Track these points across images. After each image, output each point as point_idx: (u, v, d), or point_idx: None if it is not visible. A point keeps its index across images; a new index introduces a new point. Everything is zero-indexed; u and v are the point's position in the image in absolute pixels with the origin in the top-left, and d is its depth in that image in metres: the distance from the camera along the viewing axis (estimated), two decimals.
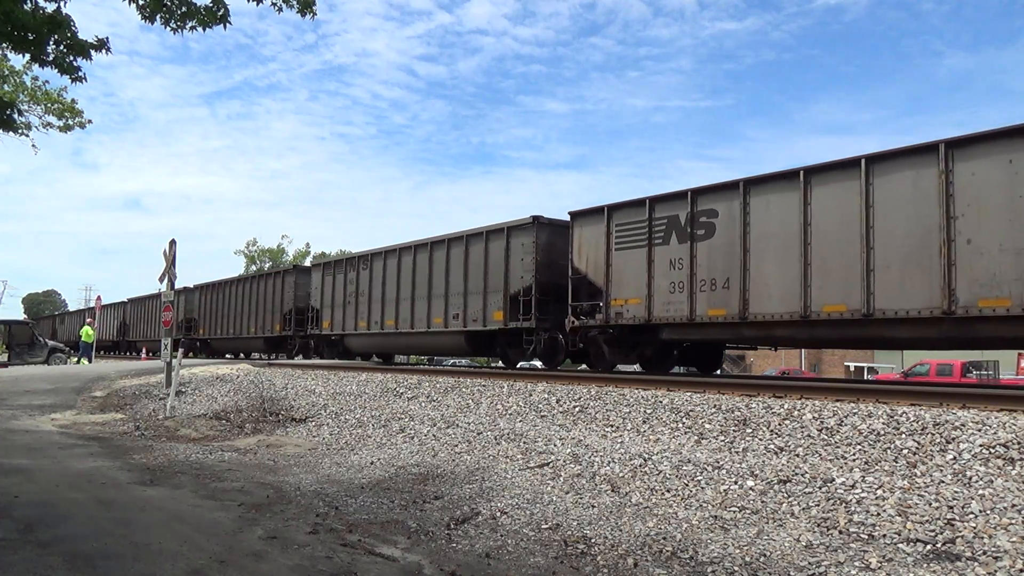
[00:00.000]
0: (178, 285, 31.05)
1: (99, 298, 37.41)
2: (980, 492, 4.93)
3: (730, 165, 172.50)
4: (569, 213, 15.10)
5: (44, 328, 51.74)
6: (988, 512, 4.63)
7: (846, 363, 50.15)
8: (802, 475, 5.70)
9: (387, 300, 20.30)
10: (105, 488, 6.53)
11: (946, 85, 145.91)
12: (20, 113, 17.36)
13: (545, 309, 15.56)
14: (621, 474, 6.48)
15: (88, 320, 31.04)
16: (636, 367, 15.93)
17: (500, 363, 18.86)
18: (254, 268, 61.39)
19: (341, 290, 22.55)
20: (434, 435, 9.00)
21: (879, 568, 4.17)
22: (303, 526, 5.29)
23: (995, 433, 5.74)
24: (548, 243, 15.80)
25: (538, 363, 17.39)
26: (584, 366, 17.88)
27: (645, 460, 6.63)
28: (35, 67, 14.94)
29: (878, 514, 4.87)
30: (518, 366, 17.64)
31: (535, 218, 15.98)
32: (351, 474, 7.41)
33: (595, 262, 14.37)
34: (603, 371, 14.61)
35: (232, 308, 30.08)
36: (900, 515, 4.80)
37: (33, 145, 22.52)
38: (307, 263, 51.99)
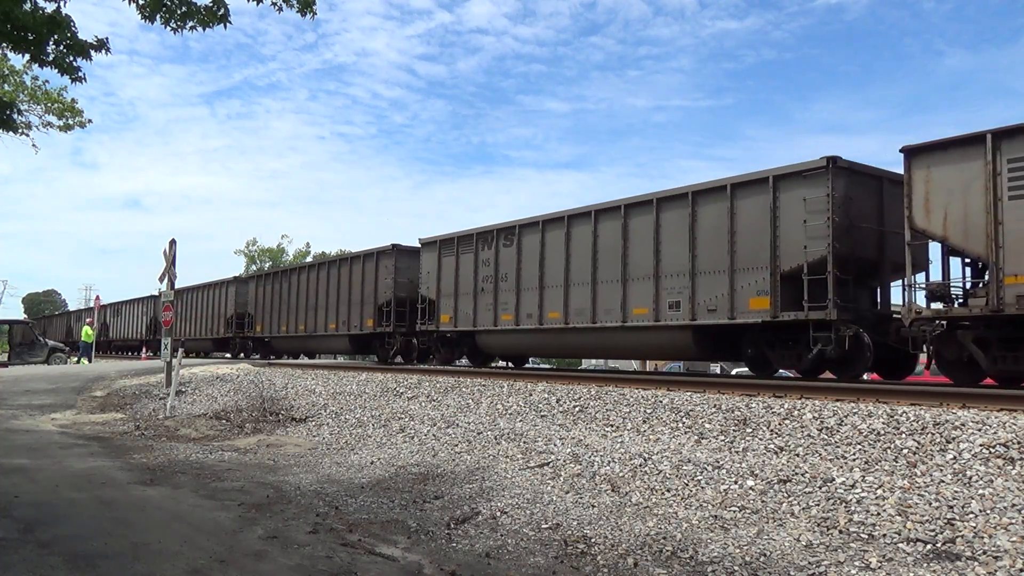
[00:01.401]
0: (227, 276, 29.68)
1: (98, 298, 37.81)
2: (980, 492, 4.93)
3: (731, 165, 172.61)
4: (905, 149, 10.21)
5: (58, 326, 50.88)
6: (988, 512, 4.63)
7: None
8: (802, 475, 5.70)
9: (548, 285, 15.16)
10: (105, 488, 6.53)
11: (947, 84, 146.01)
12: (20, 113, 17.37)
13: (845, 293, 10.97)
14: (621, 474, 6.48)
15: (87, 320, 31.06)
16: None
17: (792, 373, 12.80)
18: (254, 268, 60.87)
19: (470, 274, 17.22)
20: (434, 435, 9.00)
21: (879, 568, 4.17)
22: (303, 526, 5.29)
23: (995, 433, 5.74)
24: (844, 197, 10.88)
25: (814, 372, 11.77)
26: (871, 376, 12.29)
27: (645, 460, 6.63)
28: (35, 67, 14.92)
29: (878, 514, 4.87)
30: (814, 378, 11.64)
31: (831, 160, 10.84)
32: (351, 474, 7.41)
33: (965, 219, 9.57)
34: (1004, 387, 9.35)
35: (303, 300, 24.46)
36: (900, 515, 4.80)
37: (34, 145, 22.48)
38: (308, 260, 51.76)
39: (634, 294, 13.44)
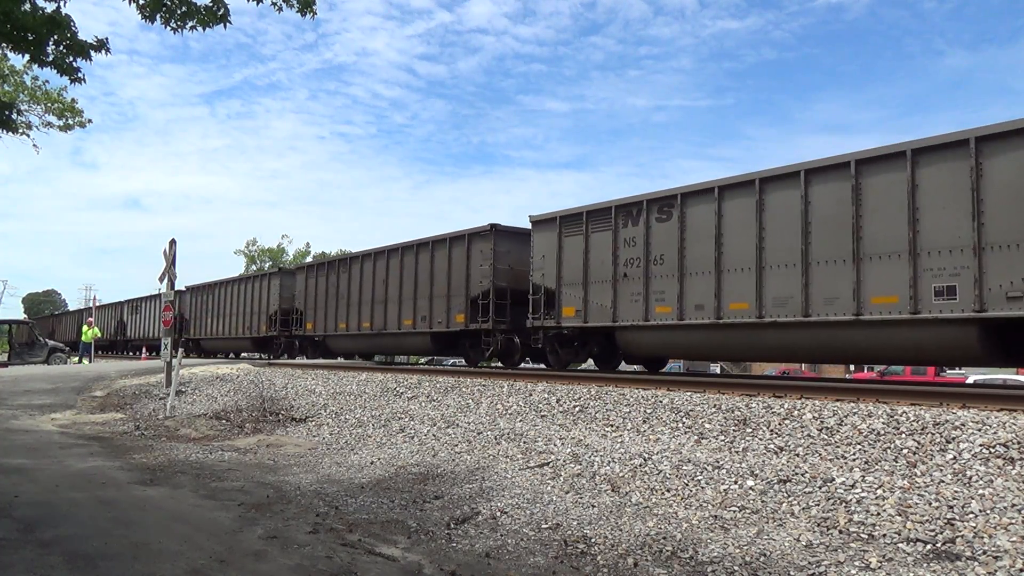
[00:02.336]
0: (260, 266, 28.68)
1: (95, 298, 38.07)
2: (980, 492, 4.93)
3: (731, 164, 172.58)
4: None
5: (68, 324, 48.63)
6: (988, 512, 4.63)
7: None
8: (802, 475, 5.70)
9: (728, 269, 11.75)
10: (105, 488, 6.53)
11: (947, 84, 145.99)
12: (20, 113, 17.40)
13: None
14: (621, 474, 6.48)
15: (87, 320, 31.08)
16: None
17: None
18: (254, 268, 60.74)
19: (606, 257, 13.68)
20: (434, 435, 9.00)
21: (879, 568, 4.17)
22: (303, 526, 5.29)
23: (995, 433, 5.74)
24: None
25: None
26: None
27: (645, 460, 6.63)
28: (35, 67, 14.92)
29: (878, 514, 4.87)
30: None
31: None
32: (351, 474, 7.41)
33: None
34: None
35: (370, 292, 20.65)
36: (900, 515, 4.80)
37: (34, 145, 22.49)
38: (308, 260, 51.39)
39: (874, 274, 10.01)
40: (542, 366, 16.92)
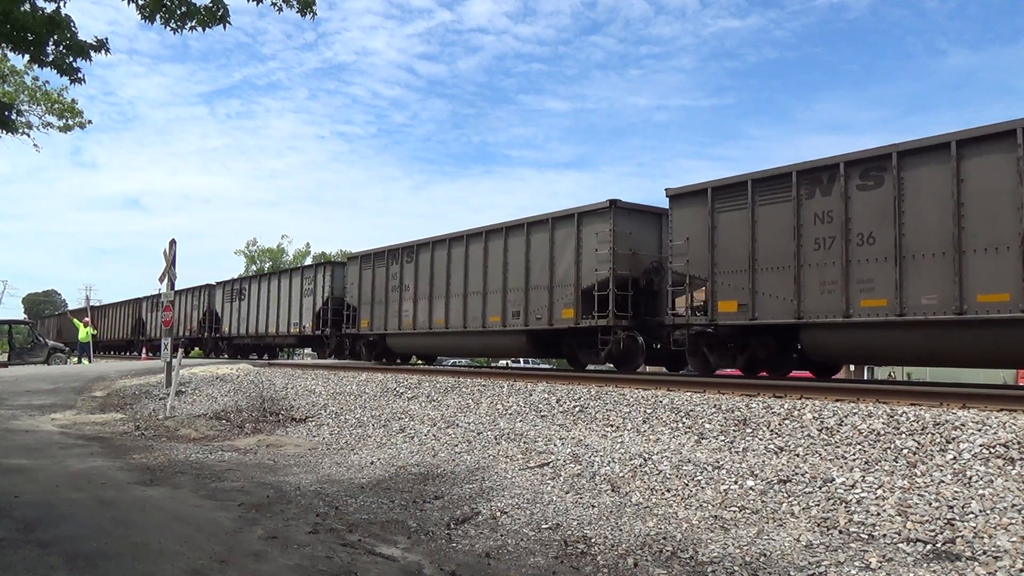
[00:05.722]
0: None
1: (88, 299, 38.09)
2: (980, 492, 4.93)
3: (732, 164, 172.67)
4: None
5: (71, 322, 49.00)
6: (988, 512, 4.64)
7: None
8: (802, 475, 5.70)
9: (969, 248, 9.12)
10: (105, 488, 6.53)
11: (949, 83, 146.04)
12: (20, 113, 17.40)
13: None
14: (621, 474, 6.48)
15: (85, 320, 31.07)
16: None
17: None
18: (254, 268, 60.54)
19: (786, 235, 11.01)
20: (434, 435, 9.00)
21: (879, 568, 4.17)
22: (303, 526, 5.29)
23: (995, 433, 5.74)
24: None
25: None
26: None
27: (645, 460, 6.64)
28: (35, 67, 14.93)
29: (878, 514, 4.87)
30: None
31: None
32: (351, 474, 7.41)
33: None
34: None
35: (442, 285, 17.74)
36: (900, 515, 4.80)
37: (35, 145, 22.48)
38: (307, 262, 51.24)
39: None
40: (663, 369, 14.59)
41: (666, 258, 12.96)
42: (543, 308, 14.69)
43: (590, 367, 15.71)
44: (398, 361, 20.30)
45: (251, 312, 27.11)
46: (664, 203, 12.99)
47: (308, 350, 28.58)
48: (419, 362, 20.88)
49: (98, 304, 48.40)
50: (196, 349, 32.34)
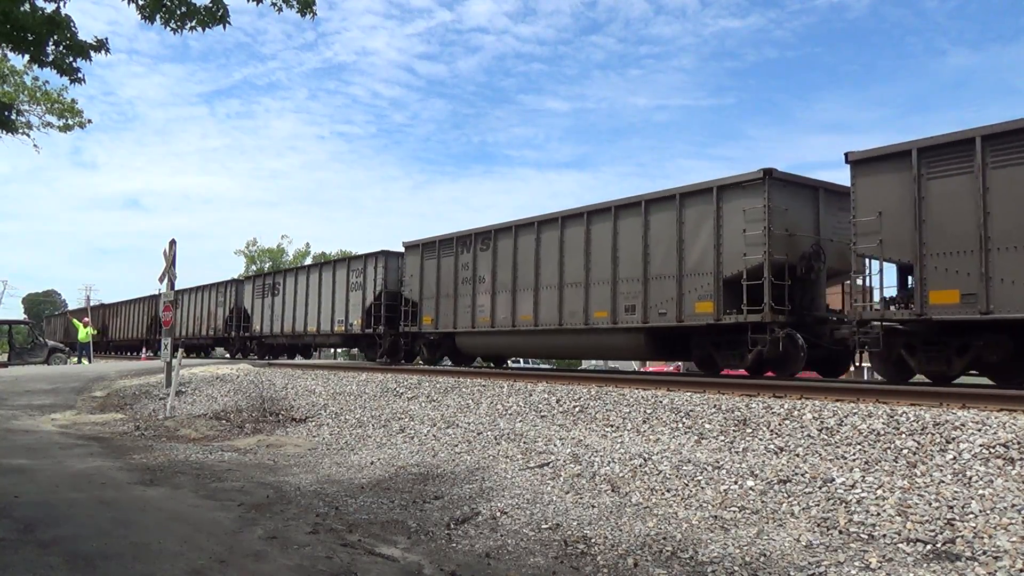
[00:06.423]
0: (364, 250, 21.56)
1: (88, 298, 38.12)
2: (980, 492, 4.93)
3: (732, 164, 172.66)
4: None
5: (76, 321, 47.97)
6: (988, 512, 4.63)
7: None
8: (802, 475, 5.70)
9: None
10: (105, 488, 6.53)
11: (950, 83, 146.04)
12: (20, 113, 17.40)
13: None
14: (621, 474, 6.48)
15: (85, 320, 31.06)
16: None
17: None
18: (254, 268, 60.17)
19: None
20: (434, 435, 9.00)
21: (879, 568, 4.17)
22: (303, 526, 5.29)
23: (995, 433, 5.74)
24: None
25: None
26: None
27: (645, 460, 6.63)
28: (35, 67, 14.91)
29: (878, 514, 4.87)
30: None
31: None
32: (351, 474, 7.41)
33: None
34: None
35: (528, 276, 15.57)
36: (900, 515, 4.80)
37: (35, 145, 22.45)
38: (307, 262, 51.05)
39: None
40: (815, 374, 12.46)
41: (826, 239, 11.31)
42: (668, 301, 12.53)
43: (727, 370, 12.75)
44: (472, 364, 18.26)
45: (286, 309, 24.74)
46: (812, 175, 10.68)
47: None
48: (489, 364, 18.94)
49: (107, 302, 47.30)
50: (219, 349, 30.13)
